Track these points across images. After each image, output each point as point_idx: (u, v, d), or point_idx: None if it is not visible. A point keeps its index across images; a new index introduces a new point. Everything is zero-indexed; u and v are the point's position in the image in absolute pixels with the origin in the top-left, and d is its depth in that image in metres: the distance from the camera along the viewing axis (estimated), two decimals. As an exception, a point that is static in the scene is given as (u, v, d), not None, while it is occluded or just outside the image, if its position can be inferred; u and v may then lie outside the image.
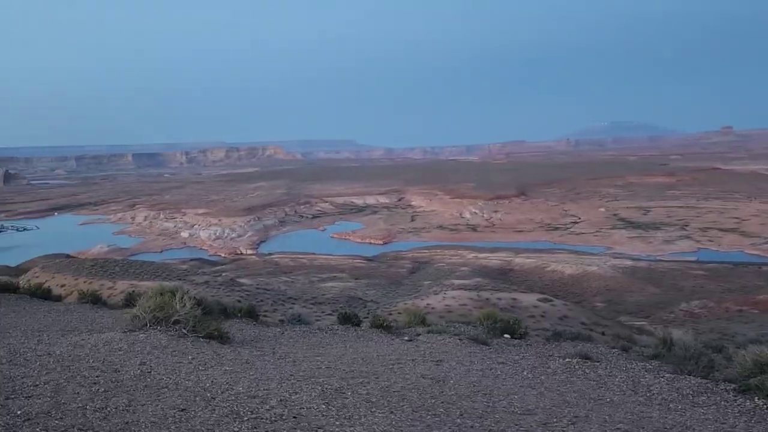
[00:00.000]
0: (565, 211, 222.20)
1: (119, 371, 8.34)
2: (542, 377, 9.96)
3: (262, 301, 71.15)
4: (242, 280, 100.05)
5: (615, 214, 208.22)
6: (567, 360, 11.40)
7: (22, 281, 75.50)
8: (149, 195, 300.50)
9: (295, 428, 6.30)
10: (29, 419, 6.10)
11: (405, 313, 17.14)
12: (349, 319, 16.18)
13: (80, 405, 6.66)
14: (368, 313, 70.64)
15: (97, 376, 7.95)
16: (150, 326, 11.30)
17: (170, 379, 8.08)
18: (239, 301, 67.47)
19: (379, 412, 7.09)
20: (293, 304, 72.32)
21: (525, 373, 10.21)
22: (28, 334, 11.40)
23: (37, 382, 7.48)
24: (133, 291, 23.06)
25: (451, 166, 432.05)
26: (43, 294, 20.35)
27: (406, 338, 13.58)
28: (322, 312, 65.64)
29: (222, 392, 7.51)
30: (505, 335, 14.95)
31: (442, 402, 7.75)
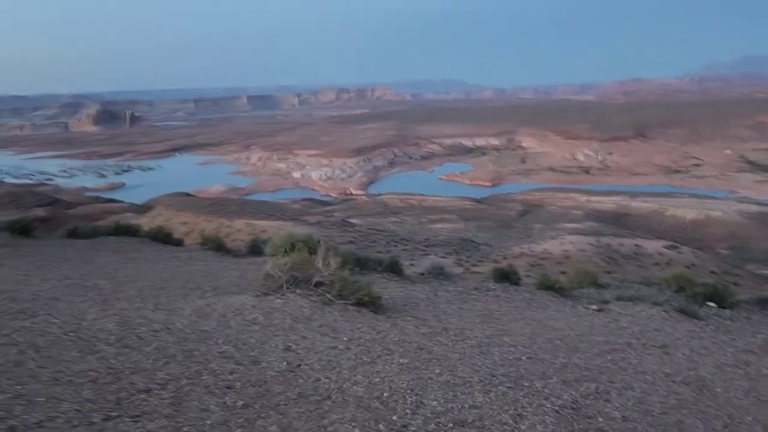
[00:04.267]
0: (687, 153, 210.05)
1: (259, 362, 6.14)
2: None
3: (374, 242, 70.20)
4: (353, 221, 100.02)
5: (742, 157, 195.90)
6: None
7: (146, 220, 78.07)
8: (263, 136, 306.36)
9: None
10: (136, 471, 3.90)
11: (574, 270, 14.33)
12: (506, 277, 13.54)
13: (211, 439, 4.42)
14: (482, 257, 68.45)
15: (231, 373, 5.76)
16: (287, 288, 9.13)
17: (330, 380, 5.78)
18: (352, 242, 66.79)
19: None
20: (406, 244, 70.92)
21: None
22: (144, 294, 9.46)
23: (151, 384, 5.32)
24: (257, 237, 21.45)
25: (564, 105, 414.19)
26: (164, 238, 18.90)
27: (593, 307, 10.85)
28: (436, 254, 63.74)
29: (413, 411, 5.13)
30: (709, 303, 11.94)
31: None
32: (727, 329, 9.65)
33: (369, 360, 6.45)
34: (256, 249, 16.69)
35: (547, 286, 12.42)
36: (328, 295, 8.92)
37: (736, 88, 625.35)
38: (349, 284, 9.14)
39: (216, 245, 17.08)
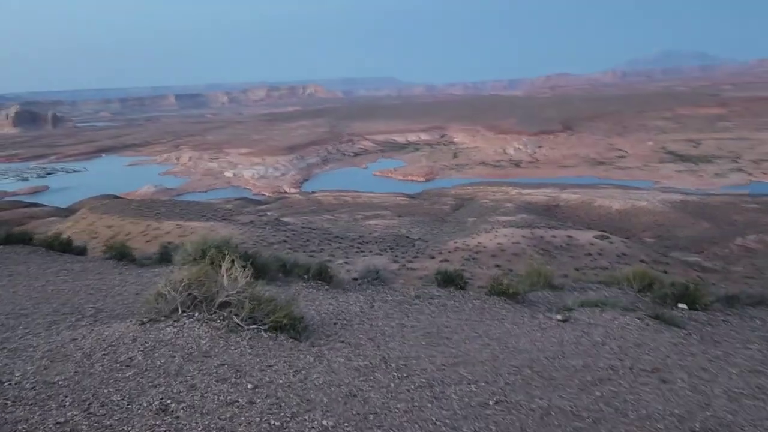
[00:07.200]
0: (612, 145, 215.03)
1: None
2: None
3: (308, 240, 68.12)
4: (287, 219, 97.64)
5: (663, 148, 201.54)
6: None
7: (69, 224, 73.76)
8: (192, 135, 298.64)
9: None
10: None
11: (525, 271, 12.77)
12: (451, 281, 11.88)
13: None
14: (418, 253, 67.43)
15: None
16: (183, 311, 7.14)
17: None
18: (285, 241, 64.55)
19: None
20: (340, 242, 69.09)
21: None
22: (-4, 324, 7.28)
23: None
24: (170, 243, 19.14)
25: (493, 101, 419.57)
26: (61, 246, 16.43)
27: (558, 317, 9.24)
28: (370, 251, 62.21)
29: None
30: (680, 305, 10.54)
31: None
32: (713, 339, 8.21)
33: (279, 424, 4.57)
34: (166, 256, 14.52)
35: (500, 291, 10.78)
36: (235, 319, 6.99)
37: (656, 82, 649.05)
38: (263, 303, 7.24)
39: (119, 254, 14.78)
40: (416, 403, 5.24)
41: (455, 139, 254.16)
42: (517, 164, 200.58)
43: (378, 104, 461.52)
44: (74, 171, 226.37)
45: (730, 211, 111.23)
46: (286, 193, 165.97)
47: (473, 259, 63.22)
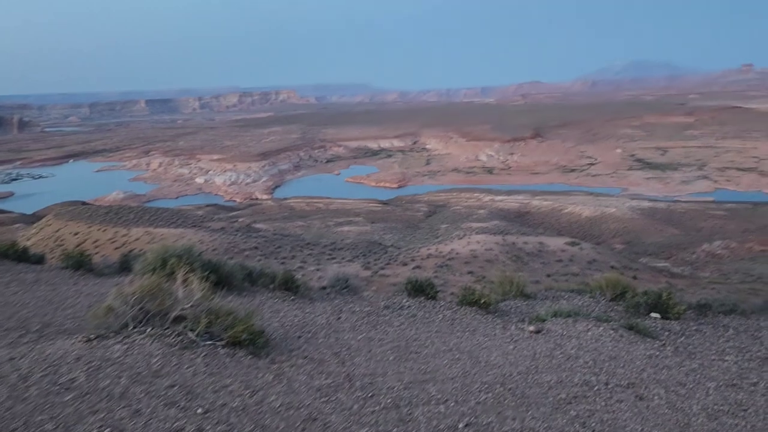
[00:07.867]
0: (582, 152, 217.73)
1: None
2: None
3: (280, 247, 67.52)
4: (258, 226, 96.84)
5: (632, 155, 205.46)
6: None
7: (34, 231, 72.16)
8: (163, 141, 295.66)
9: None
10: None
11: (497, 279, 12.48)
12: (422, 290, 11.54)
13: None
14: (390, 260, 67.13)
15: None
16: (134, 326, 6.68)
17: None
18: (257, 248, 63.86)
19: None
20: (312, 249, 68.54)
21: None
22: (-72, 343, 6.74)
23: None
24: (131, 251, 18.59)
25: (466, 108, 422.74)
26: (16, 254, 15.73)
27: (530, 329, 8.95)
28: (343, 258, 61.76)
29: None
30: (653, 314, 10.35)
31: None
32: (687, 350, 7.97)
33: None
34: (126, 265, 13.97)
35: (471, 301, 10.47)
36: (190, 334, 6.55)
37: (625, 90, 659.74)
38: (220, 317, 6.81)
39: (77, 263, 14.16)
40: (381, 427, 4.87)
41: (428, 146, 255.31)
42: (489, 171, 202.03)
43: (351, 111, 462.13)
44: (41, 177, 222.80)
45: (697, 217, 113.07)
46: (258, 199, 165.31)
47: (446, 265, 63.05)
